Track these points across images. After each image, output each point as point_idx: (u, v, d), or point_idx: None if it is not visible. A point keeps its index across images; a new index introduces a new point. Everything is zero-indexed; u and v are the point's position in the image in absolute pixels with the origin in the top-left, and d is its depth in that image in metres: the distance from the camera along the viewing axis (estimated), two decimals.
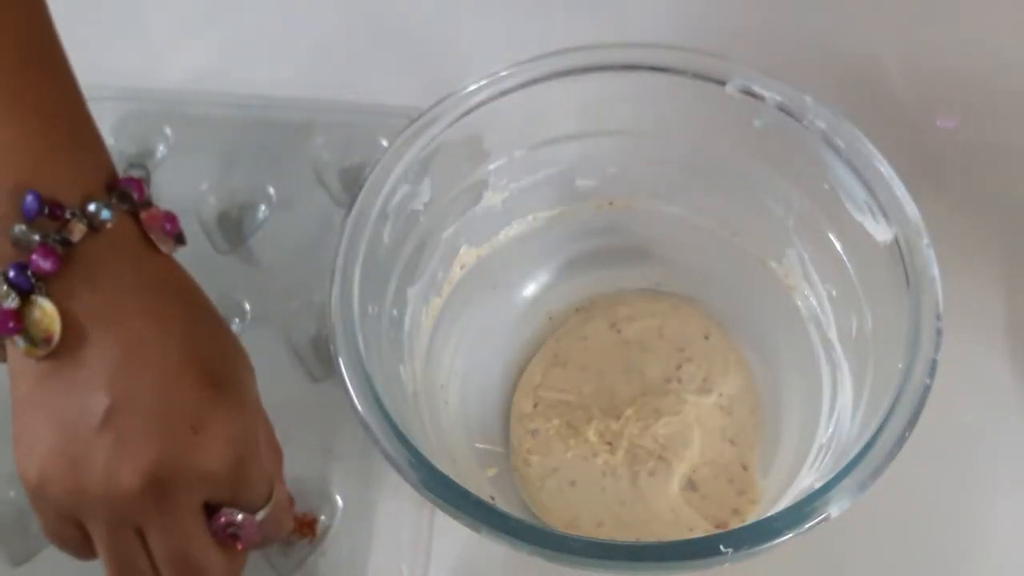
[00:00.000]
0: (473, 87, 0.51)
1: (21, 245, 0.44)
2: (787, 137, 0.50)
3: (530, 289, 0.58)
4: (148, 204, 0.48)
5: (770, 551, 0.41)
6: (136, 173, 0.48)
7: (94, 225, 0.45)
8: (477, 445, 0.54)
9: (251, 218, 0.62)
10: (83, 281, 0.45)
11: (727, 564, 0.41)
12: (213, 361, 0.46)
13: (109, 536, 0.44)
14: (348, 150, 0.63)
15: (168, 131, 0.65)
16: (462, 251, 0.55)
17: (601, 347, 0.56)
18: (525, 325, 0.58)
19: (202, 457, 0.44)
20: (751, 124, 0.51)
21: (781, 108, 0.50)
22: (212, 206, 0.62)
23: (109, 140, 0.63)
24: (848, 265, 0.50)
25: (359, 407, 0.44)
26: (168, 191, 0.63)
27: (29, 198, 0.44)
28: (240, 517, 0.46)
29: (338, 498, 0.54)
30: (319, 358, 0.58)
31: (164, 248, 0.48)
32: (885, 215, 0.48)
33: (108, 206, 0.46)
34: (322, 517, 0.54)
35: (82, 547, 0.46)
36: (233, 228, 0.62)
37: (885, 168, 0.48)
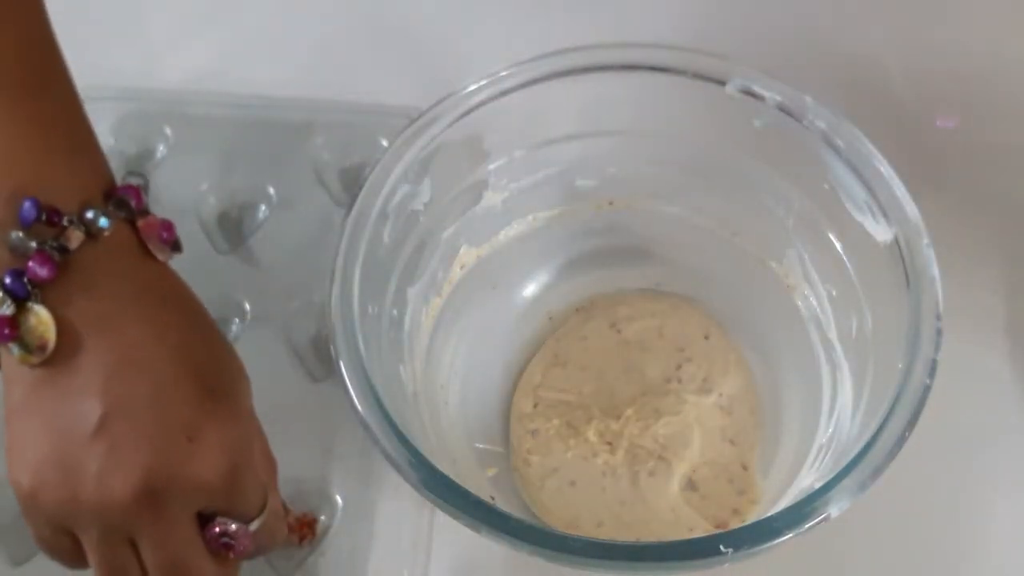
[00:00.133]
0: (473, 87, 0.51)
1: (18, 252, 0.44)
2: (787, 137, 0.51)
3: (530, 289, 0.58)
4: (145, 212, 0.48)
5: (770, 551, 0.41)
6: (134, 181, 0.49)
7: (91, 233, 0.45)
8: (477, 445, 0.54)
9: (251, 218, 0.62)
10: (79, 288, 0.45)
11: (727, 564, 0.41)
12: (209, 370, 0.46)
13: (101, 545, 0.44)
14: (348, 150, 0.63)
15: (168, 131, 0.65)
16: (462, 251, 0.55)
17: (601, 347, 0.56)
18: (525, 325, 0.58)
19: (196, 466, 0.44)
20: (751, 124, 0.51)
21: (781, 108, 0.50)
22: (212, 206, 0.62)
23: (109, 140, 0.63)
24: (848, 265, 0.51)
25: (359, 407, 0.44)
26: (168, 191, 0.63)
27: (27, 205, 0.44)
28: (234, 527, 0.46)
29: (338, 498, 0.54)
30: (319, 358, 0.58)
31: (161, 256, 0.48)
32: (885, 215, 0.48)
33: (106, 214, 0.46)
34: (322, 517, 0.54)
35: (74, 556, 0.45)
36: (233, 228, 0.62)
37: (885, 168, 0.48)
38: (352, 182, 0.63)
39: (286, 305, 0.59)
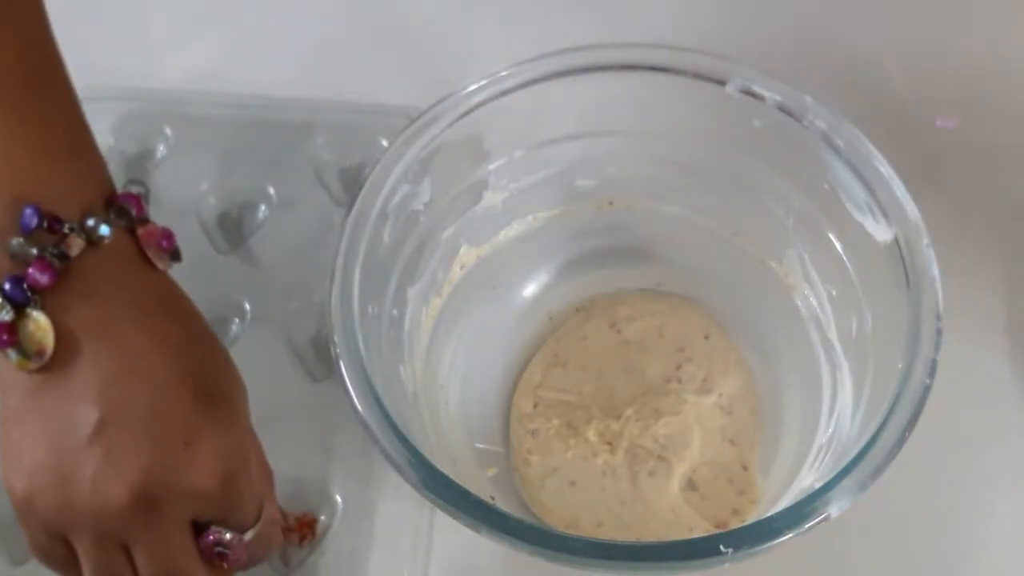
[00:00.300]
0: (473, 87, 0.51)
1: (18, 258, 0.44)
2: (787, 137, 0.50)
3: (530, 289, 0.58)
4: (145, 221, 0.48)
5: (770, 551, 0.41)
6: (135, 189, 0.48)
7: (92, 240, 0.45)
8: (477, 445, 0.54)
9: (251, 218, 0.62)
10: (79, 295, 0.45)
11: (727, 564, 0.41)
12: (206, 378, 0.46)
13: (95, 551, 0.44)
14: (348, 150, 0.63)
15: (168, 131, 0.65)
16: (462, 251, 0.55)
17: (601, 347, 0.56)
18: (525, 325, 0.58)
19: (192, 473, 0.44)
20: (751, 124, 0.51)
21: (781, 108, 0.50)
22: (212, 206, 0.62)
23: (109, 140, 0.64)
24: (848, 265, 0.51)
25: (359, 407, 0.44)
26: (168, 191, 0.63)
27: (28, 212, 0.44)
28: (228, 536, 0.46)
29: (338, 498, 0.54)
30: (319, 358, 0.58)
31: (160, 265, 0.48)
32: (885, 215, 0.48)
33: (107, 222, 0.46)
34: (322, 517, 0.54)
35: (69, 564, 0.45)
36: (233, 228, 0.62)
37: (885, 168, 0.48)
38: (352, 182, 0.63)
39: (286, 305, 0.59)
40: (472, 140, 0.52)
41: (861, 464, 0.42)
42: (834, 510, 0.41)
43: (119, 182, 0.64)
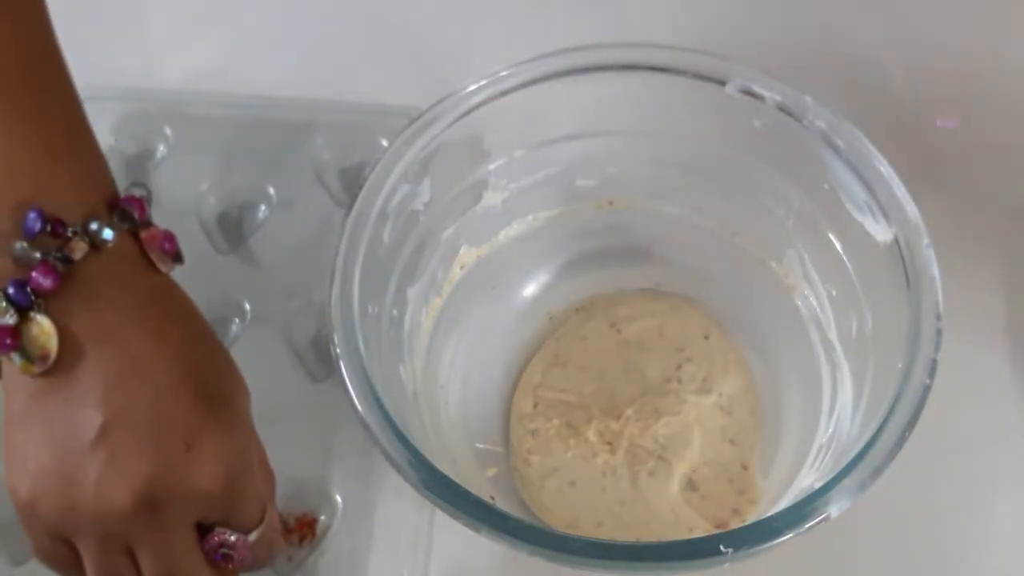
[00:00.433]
0: (473, 87, 0.51)
1: (22, 262, 0.44)
2: (787, 137, 0.50)
3: (530, 289, 0.58)
4: (148, 224, 0.48)
5: (770, 551, 0.41)
6: (137, 192, 0.48)
7: (95, 244, 0.45)
8: (477, 445, 0.54)
9: (251, 218, 0.62)
10: (82, 299, 0.45)
11: (727, 564, 0.41)
12: (209, 381, 0.46)
13: (99, 554, 0.44)
14: (348, 150, 0.63)
15: (168, 131, 0.65)
16: (462, 251, 0.55)
17: (601, 347, 0.56)
18: (525, 325, 0.58)
19: (195, 475, 0.44)
20: (751, 124, 0.51)
21: (781, 108, 0.50)
22: (212, 206, 0.62)
23: (109, 140, 0.64)
24: (848, 265, 0.51)
25: (359, 407, 0.44)
26: (168, 191, 0.63)
27: (31, 216, 0.44)
28: (233, 537, 0.46)
29: (338, 498, 0.54)
30: (319, 358, 0.58)
31: (163, 267, 0.48)
32: (885, 215, 0.48)
33: (110, 225, 0.46)
34: (322, 517, 0.54)
35: (72, 567, 0.45)
36: (233, 228, 0.62)
37: (885, 168, 0.48)
38: (352, 182, 0.63)
39: (286, 305, 0.59)
40: (472, 140, 0.52)
41: (861, 464, 0.42)
42: (834, 510, 0.41)
43: (120, 182, 0.64)
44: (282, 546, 0.50)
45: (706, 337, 0.56)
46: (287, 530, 0.53)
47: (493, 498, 0.51)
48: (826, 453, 0.48)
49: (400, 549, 0.53)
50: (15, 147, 0.45)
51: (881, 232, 0.48)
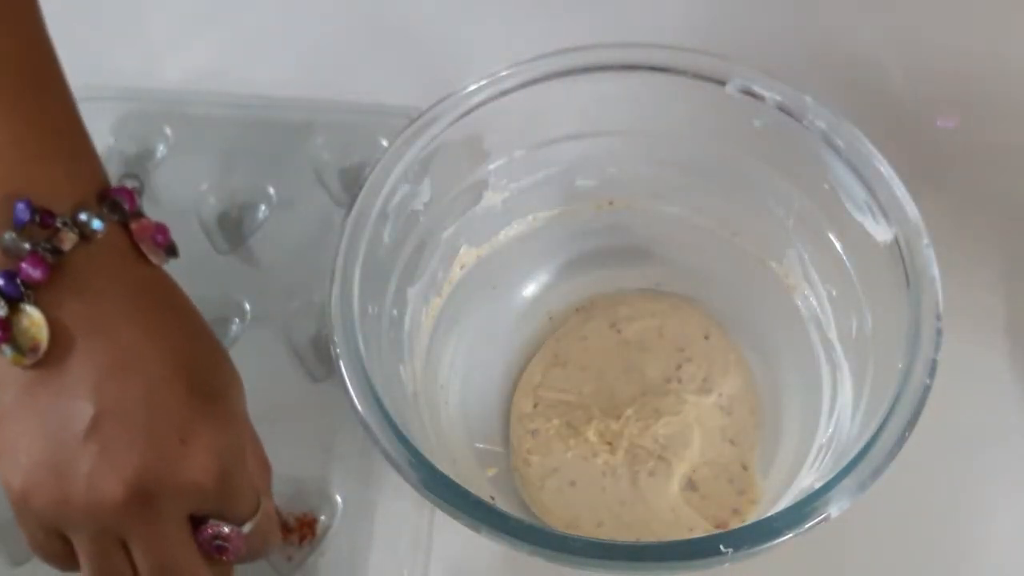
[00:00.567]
0: (473, 87, 0.51)
1: (11, 253, 0.44)
2: (787, 137, 0.50)
3: (530, 289, 0.58)
4: (139, 215, 0.48)
5: (770, 551, 0.41)
6: (129, 183, 0.48)
7: (85, 235, 0.45)
8: (477, 445, 0.54)
9: (251, 218, 0.62)
10: (72, 291, 0.45)
11: (727, 564, 0.41)
12: (201, 373, 0.46)
13: (93, 548, 0.44)
14: (348, 150, 0.63)
15: (168, 131, 0.65)
16: (462, 251, 0.55)
17: (601, 347, 0.56)
18: (525, 325, 0.58)
19: (188, 467, 0.44)
20: (751, 124, 0.51)
21: (781, 108, 0.50)
22: (212, 206, 0.62)
23: (109, 140, 0.64)
24: (848, 265, 0.51)
25: (359, 407, 0.44)
26: (168, 191, 0.63)
27: (20, 206, 0.44)
28: (226, 529, 0.45)
29: (338, 498, 0.54)
30: (319, 358, 0.58)
31: (154, 259, 0.48)
32: (885, 215, 0.48)
33: (99, 216, 0.46)
34: (322, 517, 0.54)
35: (67, 560, 0.45)
36: (233, 228, 0.62)
37: (885, 168, 0.48)
38: (352, 182, 0.63)
39: (286, 305, 0.59)
40: (472, 140, 0.52)
41: (861, 464, 0.42)
42: (834, 510, 0.41)
43: (114, 182, 0.64)
44: (279, 538, 0.50)
45: (706, 337, 0.56)
46: (287, 530, 0.53)
47: (493, 498, 0.51)
48: (826, 453, 0.48)
49: (400, 549, 0.53)
50: (4, 139, 0.45)
51: (881, 232, 0.48)
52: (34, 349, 0.44)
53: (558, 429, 0.54)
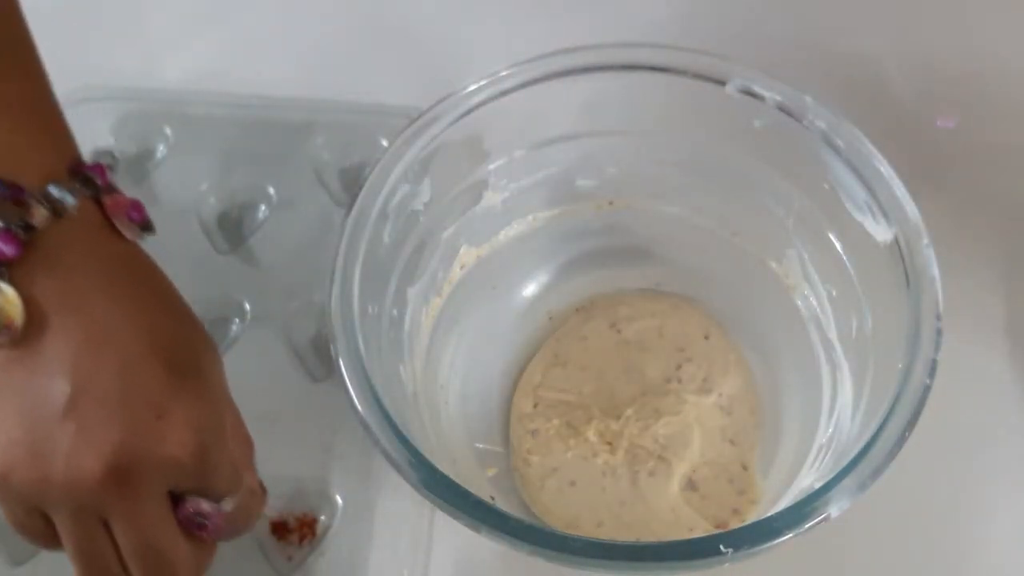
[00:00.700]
0: (473, 87, 0.51)
1: None
2: (787, 137, 0.50)
3: (530, 289, 0.58)
4: (112, 190, 0.47)
5: (770, 551, 0.41)
6: (103, 160, 0.48)
7: (56, 210, 0.45)
8: (477, 445, 0.54)
9: (251, 218, 0.62)
10: (46, 267, 0.44)
11: (727, 564, 0.41)
12: (177, 348, 0.46)
13: (73, 526, 0.44)
14: (348, 150, 0.64)
15: (168, 131, 0.65)
16: (462, 251, 0.55)
17: (601, 347, 0.56)
18: (525, 325, 0.58)
19: (165, 443, 0.43)
20: (751, 124, 0.51)
21: (781, 108, 0.50)
22: (212, 206, 0.62)
23: (109, 140, 0.64)
24: (848, 265, 0.51)
25: (359, 407, 0.44)
26: (168, 191, 0.63)
27: None
28: (206, 506, 0.45)
29: (338, 498, 0.54)
30: (319, 358, 0.58)
31: (128, 234, 0.47)
32: (885, 215, 0.48)
33: (71, 191, 0.45)
34: (322, 517, 0.54)
35: (49, 538, 0.45)
36: (233, 228, 0.62)
37: (885, 168, 0.48)
38: (352, 182, 0.63)
39: (286, 305, 0.59)
40: (472, 140, 0.52)
41: (861, 464, 0.42)
42: (834, 510, 0.41)
43: (120, 182, 0.64)
44: (262, 512, 0.50)
45: (706, 337, 0.56)
46: (287, 530, 0.53)
47: (493, 498, 0.51)
48: (826, 453, 0.48)
49: (400, 549, 0.53)
50: None
51: (881, 232, 0.48)
52: (8, 327, 0.43)
53: (558, 429, 0.54)
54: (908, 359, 0.44)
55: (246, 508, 0.47)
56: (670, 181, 0.55)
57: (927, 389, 0.43)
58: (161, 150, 0.64)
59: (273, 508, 0.54)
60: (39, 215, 0.44)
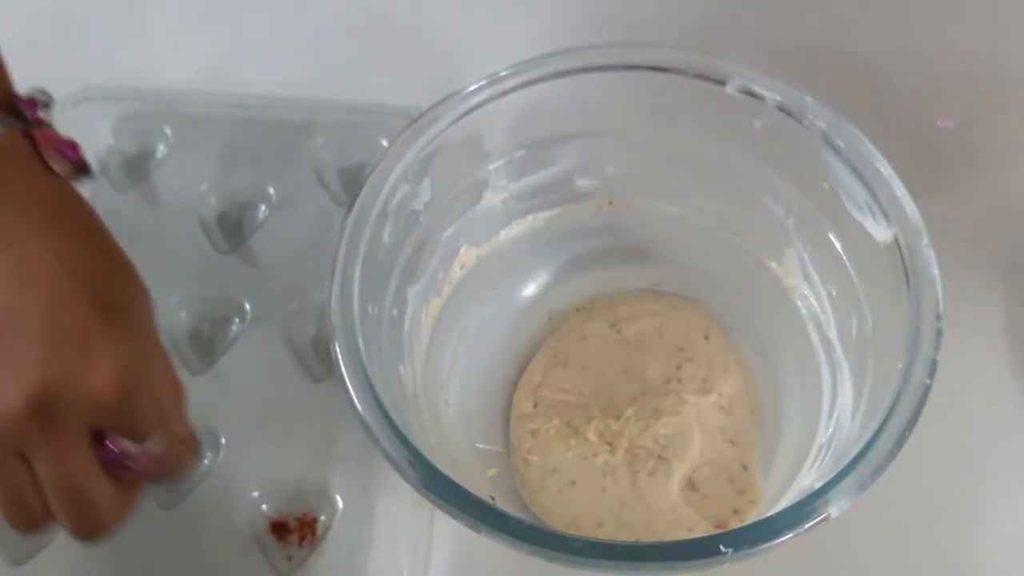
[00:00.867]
0: (473, 87, 0.51)
1: None
2: (787, 137, 0.50)
3: (530, 289, 0.58)
4: (43, 124, 0.47)
5: (770, 551, 0.41)
6: (38, 96, 0.47)
7: None
8: (477, 445, 0.54)
9: (251, 218, 0.62)
10: None
11: (727, 564, 0.41)
12: (106, 288, 0.45)
13: None
14: (348, 150, 0.63)
15: (168, 131, 0.65)
16: (462, 251, 0.55)
17: (601, 347, 0.56)
18: (525, 325, 0.58)
19: (89, 381, 0.43)
20: (751, 124, 0.51)
21: (781, 108, 0.50)
22: (212, 206, 0.62)
23: (109, 140, 0.64)
24: (848, 265, 0.51)
25: (359, 407, 0.44)
26: (168, 191, 0.63)
27: None
28: (130, 446, 0.45)
29: (338, 498, 0.54)
30: (319, 358, 0.58)
31: (59, 168, 0.46)
32: (885, 215, 0.48)
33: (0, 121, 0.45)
34: (322, 517, 0.54)
35: None
36: (233, 228, 0.62)
37: (885, 168, 0.48)
38: (352, 182, 0.63)
39: (286, 305, 0.59)
40: (472, 140, 0.52)
41: (861, 464, 0.42)
42: (834, 510, 0.41)
43: (120, 182, 0.64)
44: (191, 460, 0.49)
45: (706, 337, 0.56)
46: (287, 530, 0.53)
47: (493, 498, 0.51)
48: (826, 453, 0.48)
49: (400, 549, 0.53)
50: None
51: (881, 232, 0.48)
52: None
53: (558, 429, 0.54)
54: (908, 359, 0.44)
55: (172, 454, 0.47)
56: (670, 181, 0.55)
57: (927, 389, 0.43)
58: (161, 150, 0.64)
59: (273, 508, 0.54)
60: None
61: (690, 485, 0.53)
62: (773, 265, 0.55)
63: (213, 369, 0.58)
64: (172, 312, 0.59)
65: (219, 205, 0.63)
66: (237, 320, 0.59)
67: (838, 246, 0.51)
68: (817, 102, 0.50)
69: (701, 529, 0.51)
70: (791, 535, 0.41)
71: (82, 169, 0.47)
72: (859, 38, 0.66)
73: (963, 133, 0.63)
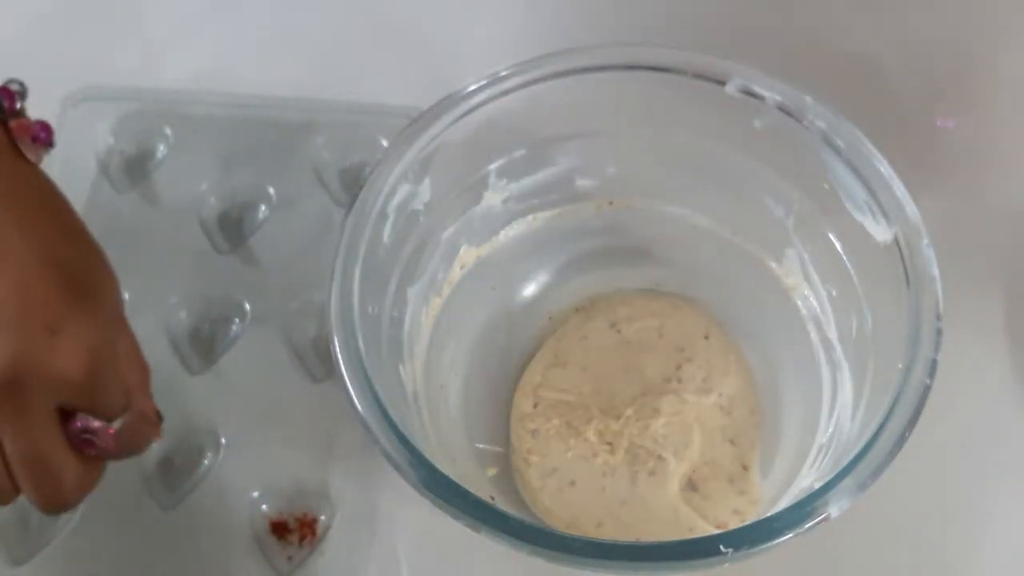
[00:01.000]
0: (473, 87, 0.51)
1: None
2: (787, 137, 0.50)
3: (530, 289, 0.58)
4: (19, 114, 0.47)
5: (770, 551, 0.41)
6: (12, 86, 0.48)
7: None
8: (477, 445, 0.54)
9: (251, 218, 0.62)
10: None
11: (727, 564, 0.41)
12: (75, 270, 0.46)
13: None
14: (348, 150, 0.63)
15: (168, 131, 0.65)
16: (462, 251, 0.55)
17: (601, 347, 0.56)
18: (525, 325, 0.58)
19: (56, 359, 0.43)
20: (751, 124, 0.51)
21: (781, 108, 0.50)
22: (212, 206, 0.62)
23: (109, 140, 0.64)
24: (848, 265, 0.51)
25: (359, 407, 0.44)
26: (168, 191, 0.63)
27: None
28: (96, 424, 0.45)
29: (338, 498, 0.54)
30: (319, 358, 0.58)
31: (31, 156, 0.47)
32: (885, 215, 0.48)
33: None
34: (322, 517, 0.54)
35: None
36: (233, 228, 0.62)
37: (885, 168, 0.48)
38: (352, 182, 0.63)
39: (286, 305, 0.59)
40: (472, 140, 0.52)
41: (861, 464, 0.42)
42: (834, 510, 0.41)
43: (120, 183, 0.64)
44: (156, 438, 0.49)
45: (706, 337, 0.56)
46: (287, 530, 0.53)
47: (493, 498, 0.51)
48: (826, 453, 0.48)
49: (400, 549, 0.53)
50: None
51: (881, 232, 0.48)
52: None
53: (558, 429, 0.54)
54: (908, 359, 0.44)
55: (136, 430, 0.47)
56: (670, 181, 0.55)
57: (927, 389, 0.43)
58: (161, 150, 0.64)
59: (273, 508, 0.54)
60: None
61: (690, 485, 0.53)
62: (773, 265, 0.55)
63: (213, 369, 0.58)
64: (172, 312, 0.59)
65: (219, 205, 0.63)
66: (237, 320, 0.59)
67: (838, 246, 0.51)
68: (817, 102, 0.50)
69: (701, 529, 0.51)
70: (791, 535, 0.41)
71: (49, 144, 0.48)
72: (859, 38, 0.66)
73: (963, 133, 0.63)
